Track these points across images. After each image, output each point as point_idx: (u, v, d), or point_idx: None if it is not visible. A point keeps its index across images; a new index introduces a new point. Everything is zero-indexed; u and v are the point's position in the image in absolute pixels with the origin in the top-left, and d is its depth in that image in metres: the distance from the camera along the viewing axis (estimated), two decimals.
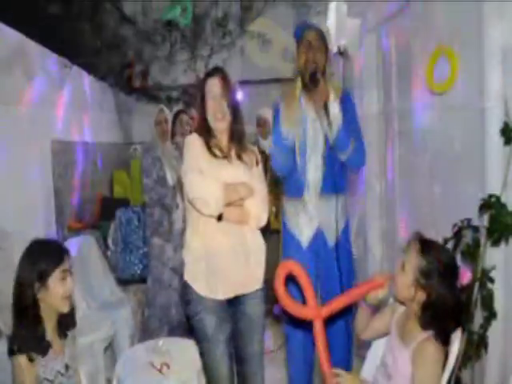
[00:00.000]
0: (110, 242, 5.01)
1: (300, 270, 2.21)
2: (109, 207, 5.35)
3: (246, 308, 2.62)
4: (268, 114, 4.98)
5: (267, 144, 4.96)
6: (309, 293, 2.18)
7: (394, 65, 3.98)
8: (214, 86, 2.56)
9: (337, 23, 5.21)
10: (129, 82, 7.36)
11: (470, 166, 2.72)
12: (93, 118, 6.07)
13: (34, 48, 4.44)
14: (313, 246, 3.03)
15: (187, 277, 2.57)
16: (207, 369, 2.57)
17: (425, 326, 2.01)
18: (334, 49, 4.73)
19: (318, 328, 2.15)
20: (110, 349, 4.08)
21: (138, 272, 4.80)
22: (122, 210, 4.91)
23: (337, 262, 2.99)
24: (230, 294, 2.56)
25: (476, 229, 2.58)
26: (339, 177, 3.02)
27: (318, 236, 3.02)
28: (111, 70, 6.59)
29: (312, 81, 2.89)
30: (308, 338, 3.00)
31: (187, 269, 2.57)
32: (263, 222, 2.61)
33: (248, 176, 2.57)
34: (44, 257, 2.22)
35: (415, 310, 2.05)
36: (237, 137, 2.62)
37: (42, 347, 2.18)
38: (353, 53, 4.69)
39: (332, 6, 5.36)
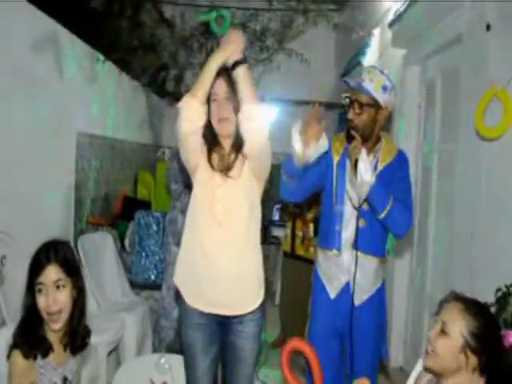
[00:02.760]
0: (126, 243, 4.90)
1: (310, 351, 2.30)
2: (130, 207, 5.26)
3: (234, 339, 2.47)
4: None
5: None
6: (316, 374, 2.21)
7: (439, 101, 3.76)
8: (217, 86, 2.38)
9: (379, 51, 4.96)
10: (162, 85, 7.32)
11: None
12: (122, 115, 6.00)
13: (67, 38, 4.36)
14: (339, 299, 2.86)
15: (176, 279, 2.48)
16: None
17: None
18: None
19: None
20: (115, 353, 3.96)
21: (152, 278, 4.70)
22: (141, 213, 4.82)
23: (362, 323, 2.81)
24: (213, 310, 2.41)
25: None
26: (378, 238, 2.85)
27: (346, 292, 2.84)
28: (145, 70, 6.55)
29: (347, 137, 2.81)
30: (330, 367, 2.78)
31: (177, 271, 2.48)
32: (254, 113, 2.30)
33: (240, 191, 2.41)
34: (30, 264, 2.10)
35: (466, 378, 1.83)
36: (238, 144, 2.42)
37: (41, 347, 2.08)
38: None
39: (376, 32, 5.08)
